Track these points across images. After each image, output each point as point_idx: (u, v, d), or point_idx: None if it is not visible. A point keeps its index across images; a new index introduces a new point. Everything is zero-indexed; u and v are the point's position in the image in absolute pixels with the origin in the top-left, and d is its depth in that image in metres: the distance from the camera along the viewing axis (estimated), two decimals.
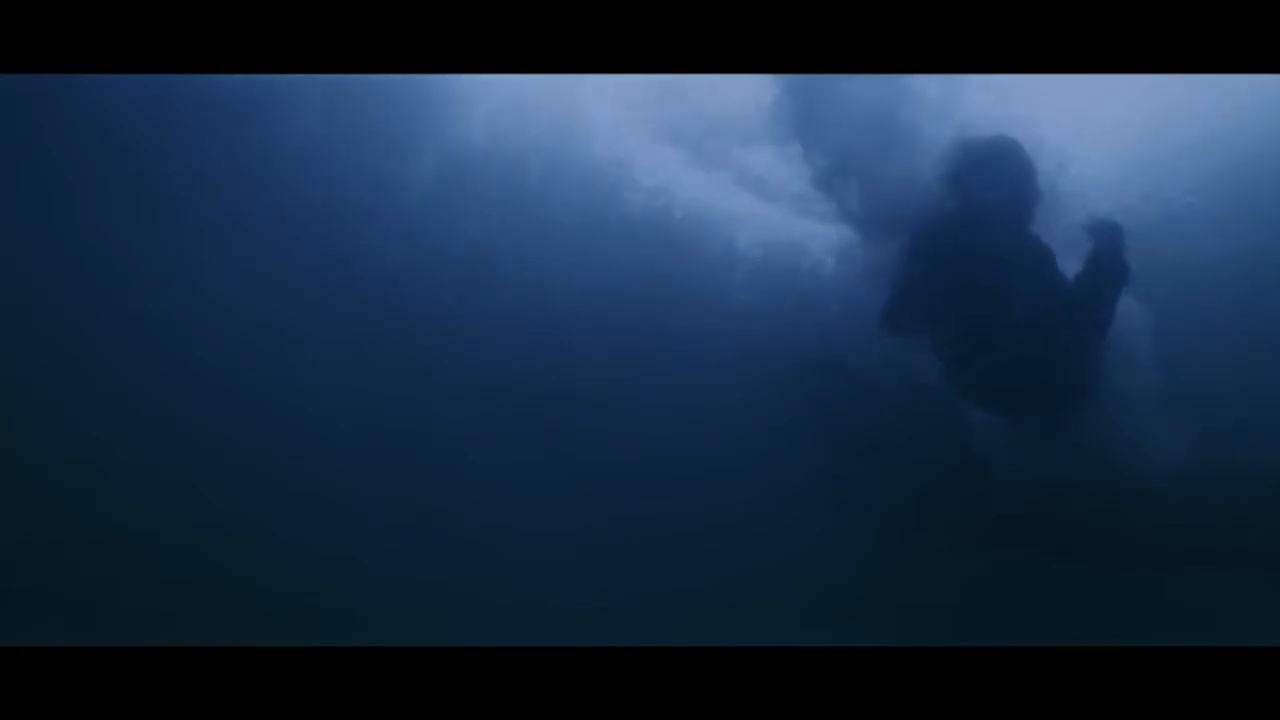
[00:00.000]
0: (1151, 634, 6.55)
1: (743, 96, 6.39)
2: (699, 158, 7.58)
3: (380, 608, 8.24)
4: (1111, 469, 5.94)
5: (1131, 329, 5.91)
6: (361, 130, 7.19)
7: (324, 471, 8.63)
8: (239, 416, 8.35)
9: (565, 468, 8.83)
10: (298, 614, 7.70)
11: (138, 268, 7.73)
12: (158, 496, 8.23)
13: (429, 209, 7.55)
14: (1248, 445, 6.32)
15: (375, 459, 8.74)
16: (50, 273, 7.61)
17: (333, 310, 8.08)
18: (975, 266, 5.61)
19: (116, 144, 7.04)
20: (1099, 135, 6.83)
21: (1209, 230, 7.30)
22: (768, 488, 7.99)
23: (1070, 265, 5.79)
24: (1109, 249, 5.61)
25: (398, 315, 8.11)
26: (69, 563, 7.93)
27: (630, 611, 8.23)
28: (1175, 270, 6.49)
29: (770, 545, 8.43)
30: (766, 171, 7.13)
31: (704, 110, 7.11)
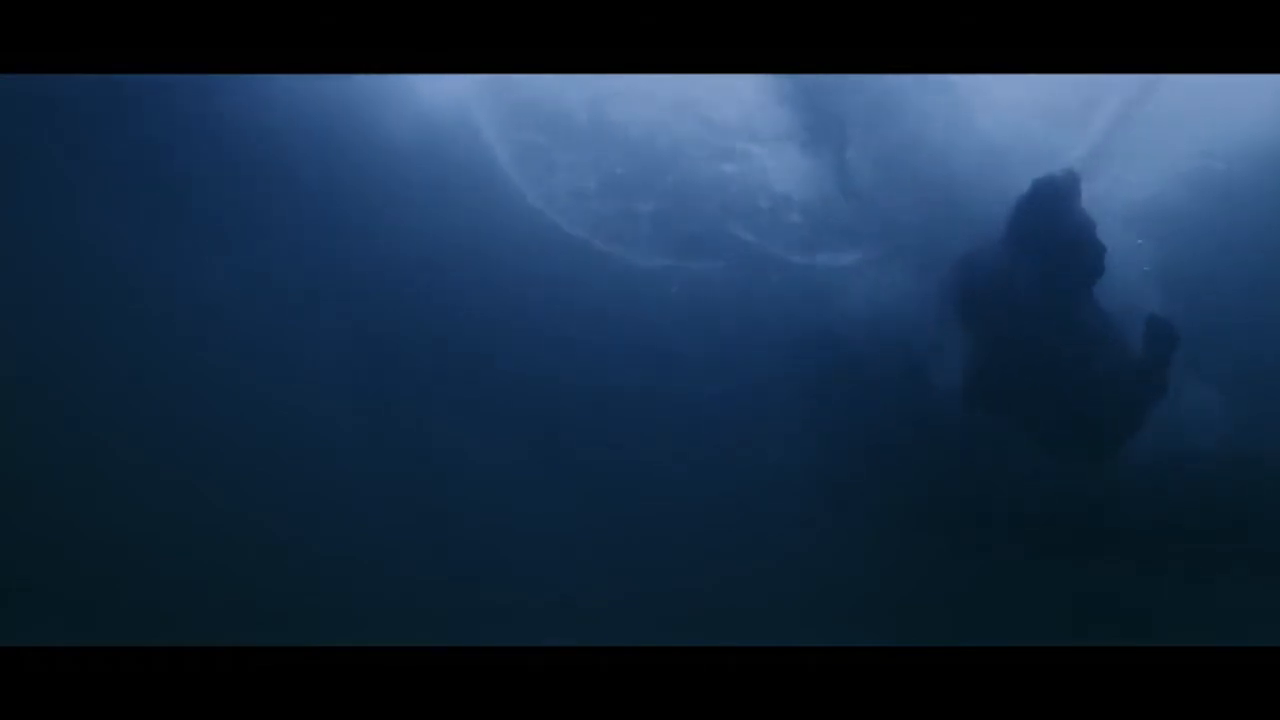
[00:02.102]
0: (1150, 634, 6.56)
1: (757, 100, 6.38)
2: (712, 169, 7.56)
3: (380, 608, 8.24)
4: (1112, 470, 5.94)
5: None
6: (361, 130, 7.18)
7: (324, 471, 8.62)
8: (239, 416, 8.35)
9: (566, 468, 8.82)
10: (298, 614, 7.69)
11: (138, 268, 7.73)
12: (158, 496, 8.22)
13: (430, 208, 7.54)
14: (1253, 444, 6.31)
15: (375, 459, 8.74)
16: (50, 273, 7.60)
17: (333, 310, 8.07)
18: (1014, 297, 5.53)
19: (117, 144, 7.03)
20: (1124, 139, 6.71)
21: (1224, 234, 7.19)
22: (768, 488, 7.98)
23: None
24: (1158, 360, 5.45)
25: (398, 315, 8.10)
26: (69, 563, 7.92)
27: (630, 611, 8.22)
28: (1193, 267, 6.41)
29: (770, 545, 8.42)
30: (781, 180, 7.12)
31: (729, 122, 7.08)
